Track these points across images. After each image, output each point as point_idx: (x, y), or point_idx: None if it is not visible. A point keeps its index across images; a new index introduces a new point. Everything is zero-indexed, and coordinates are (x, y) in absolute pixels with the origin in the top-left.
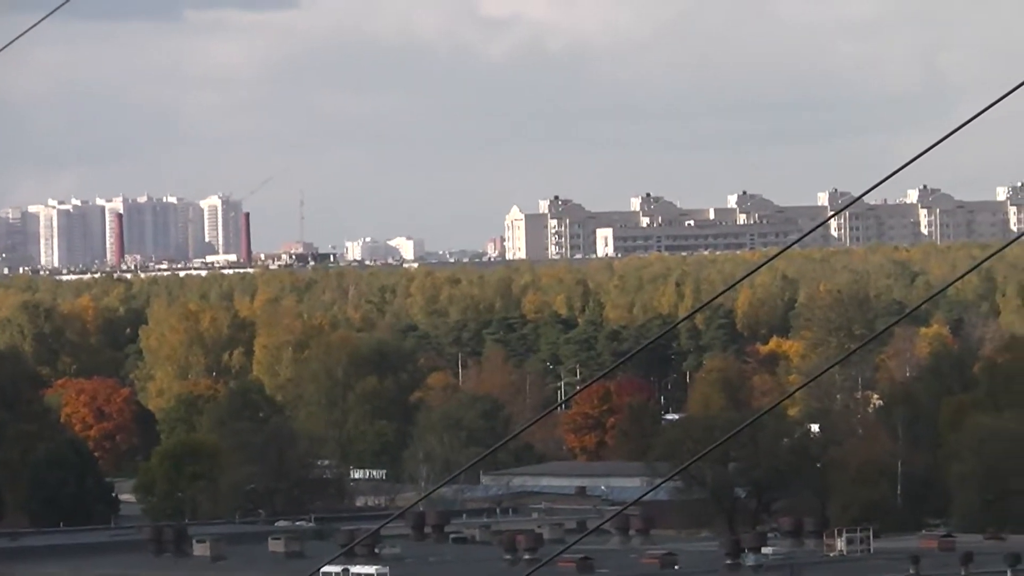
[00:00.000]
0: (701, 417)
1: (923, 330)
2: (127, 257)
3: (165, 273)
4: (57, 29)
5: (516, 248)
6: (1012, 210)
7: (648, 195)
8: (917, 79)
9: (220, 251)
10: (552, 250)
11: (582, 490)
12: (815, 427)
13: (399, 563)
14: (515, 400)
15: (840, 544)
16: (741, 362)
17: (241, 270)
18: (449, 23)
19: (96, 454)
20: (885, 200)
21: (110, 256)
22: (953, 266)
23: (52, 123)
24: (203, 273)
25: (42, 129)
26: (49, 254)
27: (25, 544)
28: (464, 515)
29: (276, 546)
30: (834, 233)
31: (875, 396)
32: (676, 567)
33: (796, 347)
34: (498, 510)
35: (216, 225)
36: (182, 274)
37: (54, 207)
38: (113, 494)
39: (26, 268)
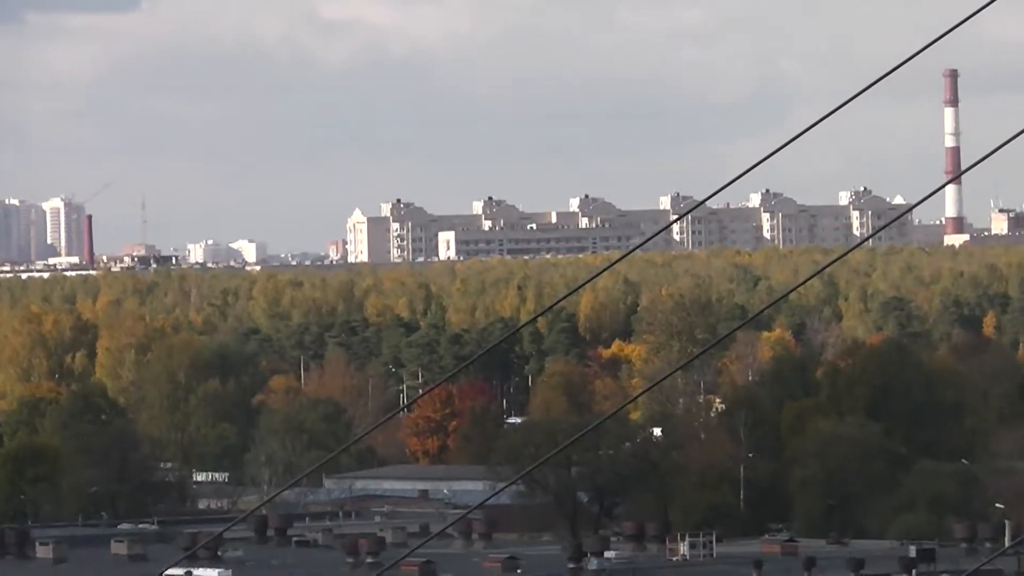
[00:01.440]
0: (543, 421)
1: (765, 334)
2: None
3: (7, 275)
4: None
5: (358, 251)
6: (855, 215)
7: (490, 199)
8: (757, 85)
9: (62, 253)
10: (394, 253)
11: (424, 494)
12: (657, 431)
13: (241, 566)
14: (357, 403)
15: (682, 549)
16: (583, 366)
17: (84, 272)
18: (289, 27)
19: None
20: (728, 204)
21: None
22: (795, 271)
23: None
24: (45, 275)
25: None
26: None
27: None
28: (306, 518)
29: (119, 549)
30: (676, 237)
31: (717, 400)
32: (518, 571)
33: (638, 351)
34: (340, 513)
35: (59, 227)
36: (24, 276)
37: None
38: None
39: None
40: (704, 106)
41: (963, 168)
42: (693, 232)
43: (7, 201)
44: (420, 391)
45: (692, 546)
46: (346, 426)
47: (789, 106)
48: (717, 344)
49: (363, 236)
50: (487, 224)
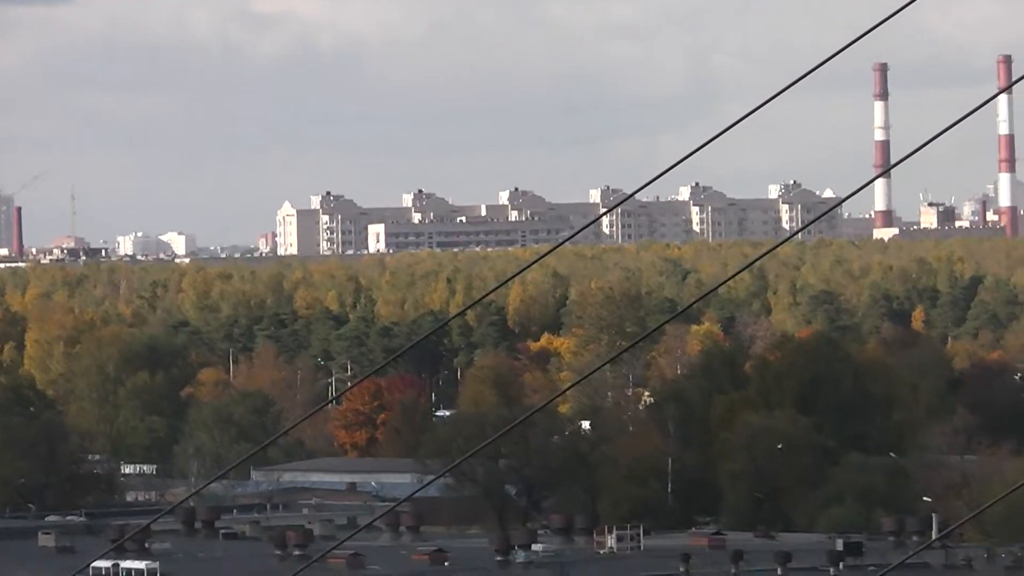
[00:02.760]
0: (472, 414)
1: (694, 328)
2: None
3: None
4: None
5: (288, 244)
6: (784, 208)
7: (420, 191)
8: (687, 80)
9: None
10: (324, 246)
11: (353, 486)
12: (586, 424)
13: (169, 559)
14: (286, 396)
15: (610, 542)
16: (512, 359)
17: (12, 264)
18: (221, 20)
19: None
20: (657, 197)
21: None
22: (725, 264)
23: None
24: None
25: None
26: None
27: None
28: (234, 511)
29: (46, 541)
30: (606, 230)
31: (646, 393)
32: (446, 564)
33: (567, 344)
34: (268, 506)
35: None
36: None
37: None
38: None
39: None
40: (634, 100)
41: (892, 162)
42: (623, 225)
43: None
44: (349, 384)
45: (619, 539)
46: (275, 419)
47: (719, 101)
48: (646, 337)
49: (293, 228)
50: (417, 217)
